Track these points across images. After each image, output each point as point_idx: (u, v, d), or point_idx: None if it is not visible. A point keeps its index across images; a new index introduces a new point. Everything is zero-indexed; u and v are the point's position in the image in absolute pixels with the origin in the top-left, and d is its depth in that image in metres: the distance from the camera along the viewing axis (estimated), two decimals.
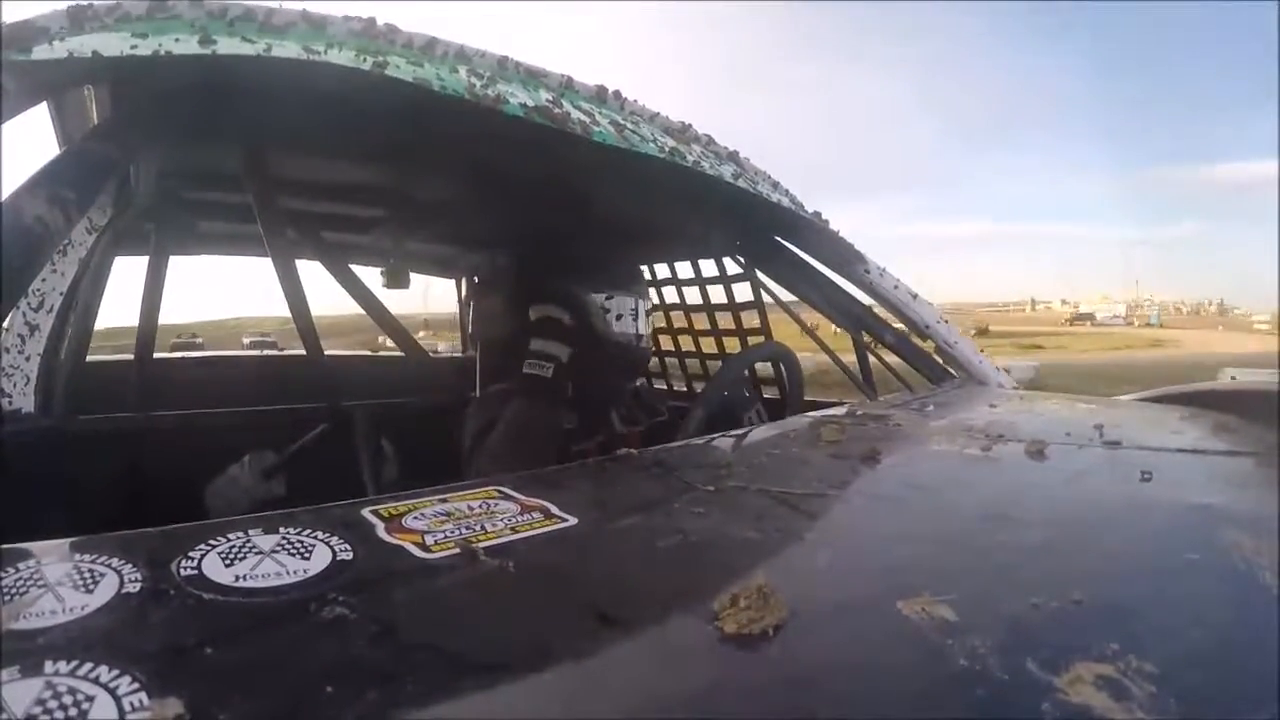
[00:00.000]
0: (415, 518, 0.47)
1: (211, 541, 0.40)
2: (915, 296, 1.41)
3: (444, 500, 0.50)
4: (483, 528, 0.46)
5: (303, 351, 1.40)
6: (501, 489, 0.54)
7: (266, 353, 2.28)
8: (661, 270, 1.86)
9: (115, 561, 0.36)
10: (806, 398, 1.45)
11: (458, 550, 0.42)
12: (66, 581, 0.34)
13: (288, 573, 0.37)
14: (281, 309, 1.22)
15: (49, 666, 0.28)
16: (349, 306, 1.22)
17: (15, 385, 1.06)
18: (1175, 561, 0.47)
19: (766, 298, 1.67)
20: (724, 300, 1.76)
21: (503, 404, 1.15)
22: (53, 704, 0.26)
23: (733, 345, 1.80)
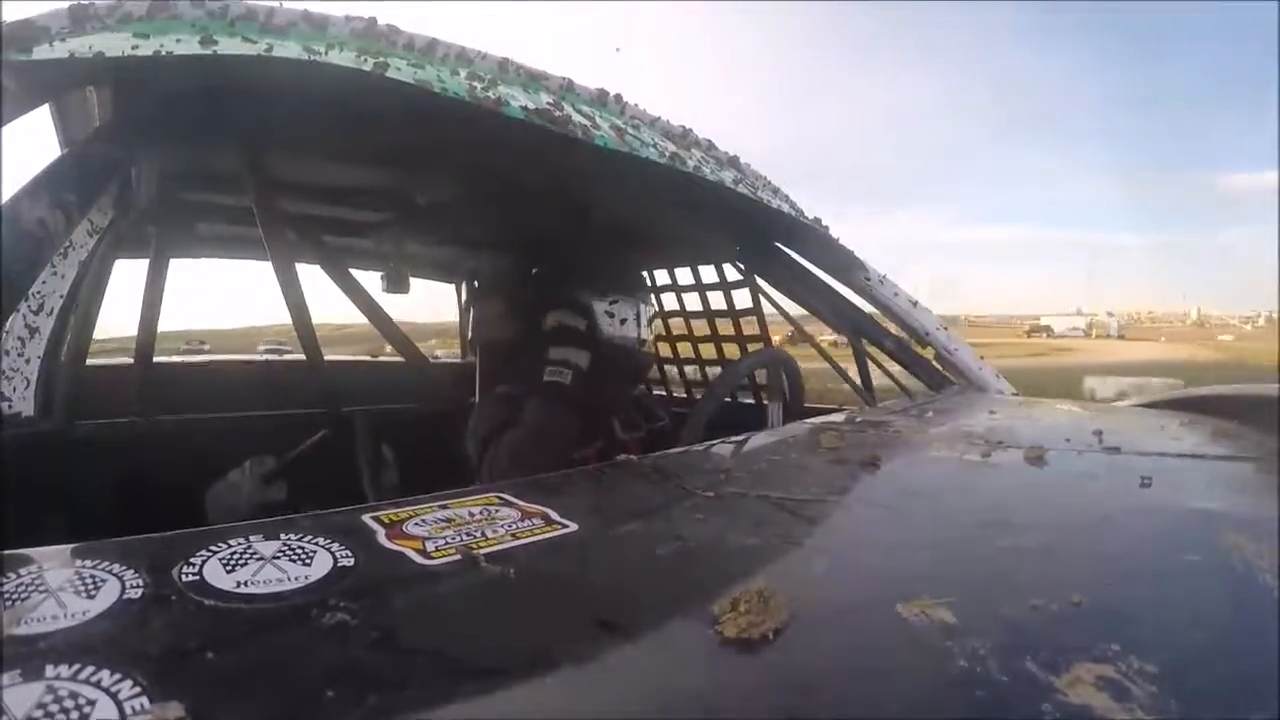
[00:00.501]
0: (416, 524, 0.47)
1: (213, 547, 0.40)
2: (915, 304, 1.42)
3: (444, 506, 0.50)
4: (483, 534, 0.46)
5: (303, 357, 1.40)
6: (502, 495, 0.54)
7: (267, 358, 2.28)
8: (661, 276, 1.87)
9: (116, 567, 0.36)
10: (806, 404, 1.45)
11: (458, 556, 0.42)
12: (68, 587, 0.34)
13: (289, 579, 0.37)
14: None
15: (50, 671, 0.28)
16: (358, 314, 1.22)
17: (15, 389, 1.06)
18: (1175, 565, 0.47)
19: (766, 305, 1.67)
20: (723, 306, 1.76)
21: (513, 407, 1.15)
22: (54, 708, 0.26)
23: (732, 352, 1.81)
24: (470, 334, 1.68)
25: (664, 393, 2.02)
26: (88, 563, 0.37)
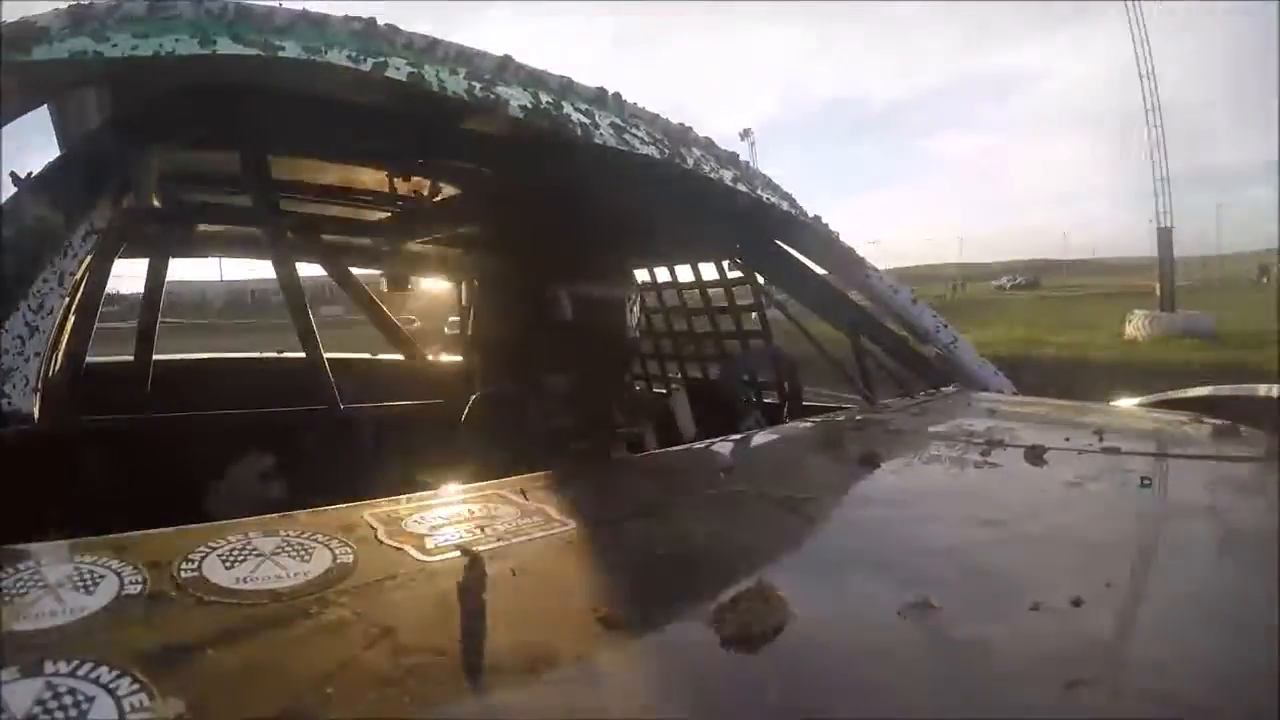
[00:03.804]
0: (415, 521, 0.47)
1: (212, 544, 0.40)
2: (915, 301, 1.41)
3: (444, 504, 0.50)
4: (482, 531, 0.46)
5: (302, 354, 1.40)
6: (501, 493, 0.54)
7: (266, 355, 2.28)
8: (661, 273, 1.86)
9: (115, 563, 0.36)
10: (805, 401, 1.45)
11: (458, 553, 0.42)
12: (67, 583, 0.34)
13: (288, 575, 0.37)
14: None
15: (49, 667, 0.28)
16: None
17: (15, 387, 1.06)
18: (1174, 565, 0.47)
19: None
20: (724, 303, 1.76)
21: (502, 405, 1.15)
22: (53, 704, 0.26)
23: (733, 348, 1.80)
24: (470, 333, 1.68)
25: (663, 390, 2.01)
26: (86, 559, 0.37)
